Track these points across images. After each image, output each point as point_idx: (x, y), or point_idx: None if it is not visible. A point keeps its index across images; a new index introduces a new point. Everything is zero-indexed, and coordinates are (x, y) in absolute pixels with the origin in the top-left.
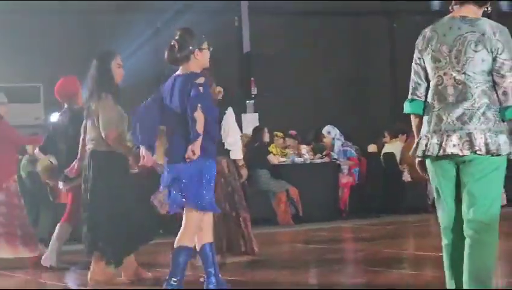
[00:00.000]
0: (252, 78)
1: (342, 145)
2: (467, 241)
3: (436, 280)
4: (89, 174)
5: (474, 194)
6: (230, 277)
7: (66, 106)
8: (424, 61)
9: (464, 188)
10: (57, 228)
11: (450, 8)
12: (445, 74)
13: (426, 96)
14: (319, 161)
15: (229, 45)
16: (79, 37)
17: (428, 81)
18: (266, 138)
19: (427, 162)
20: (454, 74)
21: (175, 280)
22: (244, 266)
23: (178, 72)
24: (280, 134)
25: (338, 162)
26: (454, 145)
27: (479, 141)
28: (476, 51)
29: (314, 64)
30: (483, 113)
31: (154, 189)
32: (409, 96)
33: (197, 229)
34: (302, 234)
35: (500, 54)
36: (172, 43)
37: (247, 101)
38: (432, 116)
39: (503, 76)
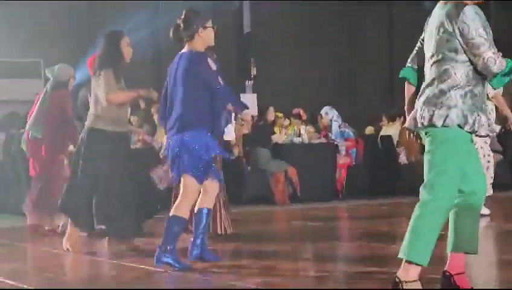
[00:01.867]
0: (252, 59)
1: (339, 126)
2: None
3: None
4: (86, 151)
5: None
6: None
7: None
8: (422, 43)
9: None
10: None
11: None
12: (427, 56)
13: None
14: (317, 141)
15: (229, 25)
16: (79, 13)
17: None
18: (271, 116)
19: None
20: (429, 56)
21: (168, 247)
22: (240, 238)
23: (183, 50)
24: (280, 114)
25: (336, 142)
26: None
27: (419, 114)
28: (440, 34)
29: (313, 48)
30: (439, 89)
31: (152, 165)
32: None
33: (192, 200)
34: (298, 213)
35: (467, 34)
36: (177, 22)
37: (247, 82)
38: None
39: (474, 55)
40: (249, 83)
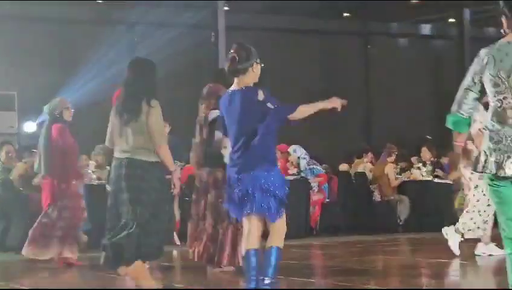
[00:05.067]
0: None
1: (308, 163)
2: None
3: None
4: (127, 183)
5: None
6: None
7: None
8: (481, 82)
9: None
10: None
11: (501, 31)
12: (504, 98)
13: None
14: (291, 177)
15: (205, 59)
16: (54, 46)
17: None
18: None
19: (485, 178)
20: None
21: (269, 278)
22: (220, 275)
23: (234, 87)
24: None
25: (309, 179)
26: None
27: None
28: None
29: (288, 81)
30: None
31: None
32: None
33: (284, 231)
34: None
35: None
36: (233, 56)
37: None
38: (493, 136)
39: None
40: None
